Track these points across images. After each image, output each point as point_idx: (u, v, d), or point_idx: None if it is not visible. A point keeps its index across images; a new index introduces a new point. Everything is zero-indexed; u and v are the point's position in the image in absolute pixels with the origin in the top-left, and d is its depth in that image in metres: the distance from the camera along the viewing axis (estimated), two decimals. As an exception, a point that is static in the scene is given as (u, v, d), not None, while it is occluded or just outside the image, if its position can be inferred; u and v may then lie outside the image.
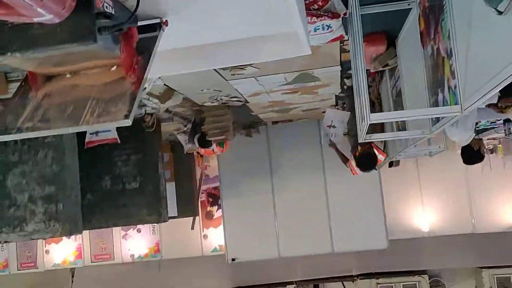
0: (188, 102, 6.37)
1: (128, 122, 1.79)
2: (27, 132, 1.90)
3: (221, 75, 5.22)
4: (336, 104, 7.84)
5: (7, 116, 1.97)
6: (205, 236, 10.60)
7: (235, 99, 6.51)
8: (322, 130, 7.01)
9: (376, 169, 6.16)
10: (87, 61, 1.97)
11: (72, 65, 2.02)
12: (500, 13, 1.96)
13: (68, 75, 2.12)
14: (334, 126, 6.63)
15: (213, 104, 6.61)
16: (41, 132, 1.93)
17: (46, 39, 1.79)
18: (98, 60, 1.96)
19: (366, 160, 6.01)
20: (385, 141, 6.19)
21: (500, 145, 8.41)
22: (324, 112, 8.44)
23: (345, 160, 6.70)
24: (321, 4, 3.71)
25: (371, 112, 3.19)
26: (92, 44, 1.78)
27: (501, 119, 5.14)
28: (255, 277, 9.94)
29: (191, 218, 9.94)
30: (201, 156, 9.96)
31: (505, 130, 5.22)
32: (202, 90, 5.84)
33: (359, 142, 4.61)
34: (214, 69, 4.87)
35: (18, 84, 4.30)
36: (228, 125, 6.68)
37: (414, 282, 9.29)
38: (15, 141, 5.12)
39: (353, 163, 6.27)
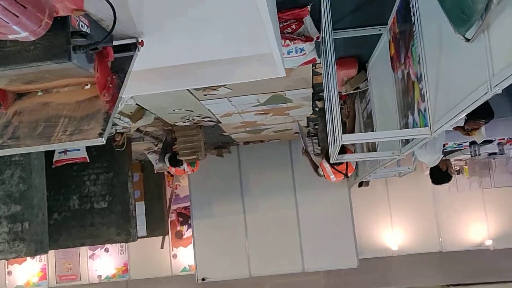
0: (160, 121, 6.33)
1: (101, 141, 1.76)
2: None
3: (193, 95, 5.22)
4: (307, 125, 7.92)
5: (-25, 134, 1.91)
6: (175, 256, 10.45)
7: (207, 119, 6.50)
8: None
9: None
10: (60, 79, 1.93)
11: (45, 83, 1.98)
12: (467, 40, 2.03)
13: (40, 93, 2.08)
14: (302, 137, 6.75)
15: (185, 124, 6.59)
16: (11, 150, 1.87)
17: (20, 57, 1.76)
18: (72, 79, 1.93)
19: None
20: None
21: (466, 167, 8.62)
22: (296, 133, 8.52)
23: (316, 166, 6.70)
24: (294, 27, 3.76)
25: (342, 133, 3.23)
26: (67, 62, 1.75)
27: (467, 141, 5.28)
28: (225, 297, 9.82)
29: (161, 237, 9.80)
30: (172, 175, 9.88)
31: (471, 152, 5.35)
32: (174, 110, 5.81)
33: (331, 163, 4.65)
34: (187, 89, 4.87)
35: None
36: (199, 145, 6.66)
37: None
38: (-19, 159, 4.97)
39: (325, 164, 6.24)
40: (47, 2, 1.46)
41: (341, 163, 5.81)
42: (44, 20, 1.42)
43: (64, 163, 6.26)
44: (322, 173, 5.98)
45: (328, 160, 6.01)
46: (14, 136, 1.92)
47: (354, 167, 5.90)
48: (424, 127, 2.83)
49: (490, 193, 9.20)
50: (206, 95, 5.26)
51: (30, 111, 2.02)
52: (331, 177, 6.14)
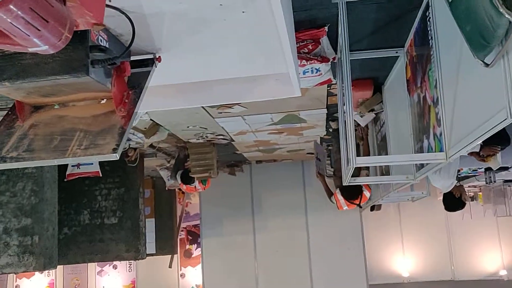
0: (173, 138, 6.35)
1: (115, 156, 1.75)
2: (11, 163, 1.85)
3: (208, 112, 5.24)
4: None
5: (-9, 145, 1.92)
6: (183, 275, 10.38)
7: (221, 137, 6.51)
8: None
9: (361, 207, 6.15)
10: (77, 93, 1.95)
11: (62, 96, 1.99)
12: (487, 65, 2.01)
13: (56, 106, 2.09)
14: (318, 159, 6.66)
15: (198, 141, 6.60)
16: (25, 163, 1.88)
17: (38, 70, 1.77)
18: (89, 93, 1.95)
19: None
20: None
21: (480, 193, 8.50)
22: (309, 153, 8.49)
23: (330, 193, 6.66)
24: (311, 48, 3.77)
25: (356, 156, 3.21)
26: (85, 76, 1.76)
27: (482, 168, 5.21)
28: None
29: (169, 256, 9.75)
30: (183, 193, 9.87)
31: (486, 179, 5.28)
32: (188, 127, 5.84)
33: (343, 184, 4.61)
34: (202, 107, 4.89)
35: (2, 112, 4.26)
36: (212, 163, 6.66)
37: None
38: (-6, 171, 5.01)
39: (340, 198, 6.22)
40: (68, 16, 1.47)
41: (356, 196, 5.82)
42: (65, 34, 1.43)
43: (77, 176, 6.29)
44: (334, 201, 5.97)
45: (342, 192, 6.02)
46: (29, 148, 1.93)
47: (368, 197, 5.86)
48: (440, 152, 2.80)
49: (505, 222, 9.04)
50: (221, 112, 5.28)
51: (46, 124, 2.03)
52: (344, 207, 6.12)
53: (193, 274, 10.23)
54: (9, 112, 2.09)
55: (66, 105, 2.08)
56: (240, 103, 4.85)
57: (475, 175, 5.85)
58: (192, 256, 10.39)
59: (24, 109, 2.06)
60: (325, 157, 6.61)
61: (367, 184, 6.02)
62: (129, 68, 2.01)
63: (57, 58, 1.77)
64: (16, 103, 2.05)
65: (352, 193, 5.99)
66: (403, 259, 9.58)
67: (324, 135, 7.01)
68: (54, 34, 1.38)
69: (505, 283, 9.13)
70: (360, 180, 4.64)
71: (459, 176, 5.62)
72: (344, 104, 3.60)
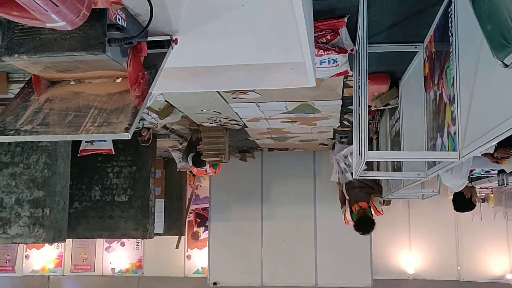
0: (187, 120, 6.38)
1: (127, 136, 1.77)
2: (25, 136, 1.88)
3: (223, 97, 5.24)
4: (333, 138, 7.87)
5: (6, 117, 1.95)
6: (189, 257, 10.47)
7: (234, 122, 6.52)
8: (335, 164, 7.03)
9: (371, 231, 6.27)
10: (93, 70, 1.97)
11: (78, 72, 2.02)
12: (506, 66, 1.98)
13: (72, 82, 2.11)
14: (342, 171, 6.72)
15: (211, 125, 6.62)
16: (39, 137, 1.91)
17: (56, 45, 1.79)
18: (105, 71, 1.96)
19: (363, 224, 6.10)
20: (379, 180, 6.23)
21: (492, 195, 8.42)
22: (321, 144, 8.47)
23: (343, 202, 6.70)
24: (329, 38, 3.74)
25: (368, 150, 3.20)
26: (101, 54, 1.78)
27: (495, 169, 5.16)
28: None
29: (177, 237, 9.84)
30: (193, 175, 9.92)
31: (498, 181, 5.23)
32: (202, 110, 5.85)
33: (354, 178, 4.61)
34: (217, 91, 4.89)
35: (19, 85, 4.30)
36: (224, 148, 6.68)
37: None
38: (9, 142, 5.08)
39: (347, 215, 6.35)
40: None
41: (363, 231, 5.93)
42: (83, 11, 1.45)
43: (90, 153, 6.36)
44: (342, 213, 6.10)
45: (350, 210, 6.12)
46: (43, 122, 1.96)
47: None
48: (453, 151, 2.77)
49: (515, 225, 8.97)
50: (235, 98, 5.28)
51: (61, 99, 2.06)
52: (349, 223, 6.22)
53: (199, 256, 10.32)
54: (26, 85, 2.12)
55: (82, 81, 2.10)
56: (255, 90, 4.85)
57: (487, 177, 5.79)
58: (199, 238, 10.47)
59: (41, 83, 2.09)
60: (346, 172, 6.65)
61: (377, 209, 6.13)
62: (145, 48, 2.02)
63: (75, 35, 1.79)
64: (33, 77, 2.08)
65: (363, 230, 6.09)
66: (410, 255, 9.56)
67: (338, 127, 6.99)
68: (72, 10, 1.39)
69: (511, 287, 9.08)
70: (371, 174, 4.62)
71: (471, 176, 5.57)
72: (359, 97, 3.58)
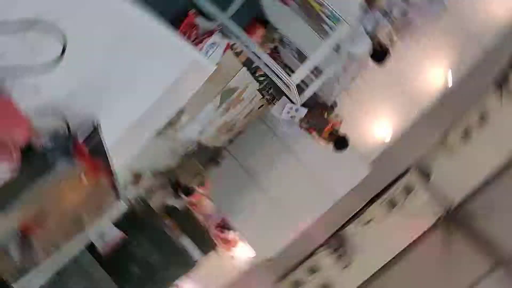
0: (157, 172, 6.36)
1: (122, 204, 1.78)
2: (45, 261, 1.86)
3: (166, 139, 5.21)
4: (262, 96, 7.91)
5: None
6: (233, 257, 10.31)
7: (190, 147, 6.52)
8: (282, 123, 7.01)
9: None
10: (59, 186, 1.94)
11: (49, 199, 1.98)
12: None
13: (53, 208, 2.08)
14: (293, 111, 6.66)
15: (175, 161, 6.64)
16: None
17: (12, 190, 1.76)
18: (67, 181, 1.94)
19: (340, 143, 6.18)
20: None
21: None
22: (259, 107, 8.48)
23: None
24: (195, 32, 3.79)
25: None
26: (53, 171, 1.76)
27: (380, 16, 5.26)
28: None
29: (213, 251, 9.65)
30: (194, 204, 9.86)
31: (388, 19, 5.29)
32: (162, 157, 5.83)
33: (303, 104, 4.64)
34: (158, 135, 4.85)
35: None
36: (196, 168, 6.77)
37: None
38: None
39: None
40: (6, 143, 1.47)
41: None
42: (13, 155, 1.43)
43: (110, 249, 6.20)
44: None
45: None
46: (53, 245, 1.94)
47: None
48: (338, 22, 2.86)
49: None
50: (176, 130, 5.26)
51: (54, 224, 2.03)
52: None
53: (239, 251, 10.03)
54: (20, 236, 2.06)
55: (60, 200, 2.06)
56: (182, 112, 4.84)
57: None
58: (229, 240, 10.21)
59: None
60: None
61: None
62: (83, 145, 2.00)
63: (21, 175, 1.74)
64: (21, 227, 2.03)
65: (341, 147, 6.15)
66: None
67: (260, 86, 7.02)
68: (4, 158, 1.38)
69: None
70: (307, 93, 4.68)
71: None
72: (252, 50, 3.64)
